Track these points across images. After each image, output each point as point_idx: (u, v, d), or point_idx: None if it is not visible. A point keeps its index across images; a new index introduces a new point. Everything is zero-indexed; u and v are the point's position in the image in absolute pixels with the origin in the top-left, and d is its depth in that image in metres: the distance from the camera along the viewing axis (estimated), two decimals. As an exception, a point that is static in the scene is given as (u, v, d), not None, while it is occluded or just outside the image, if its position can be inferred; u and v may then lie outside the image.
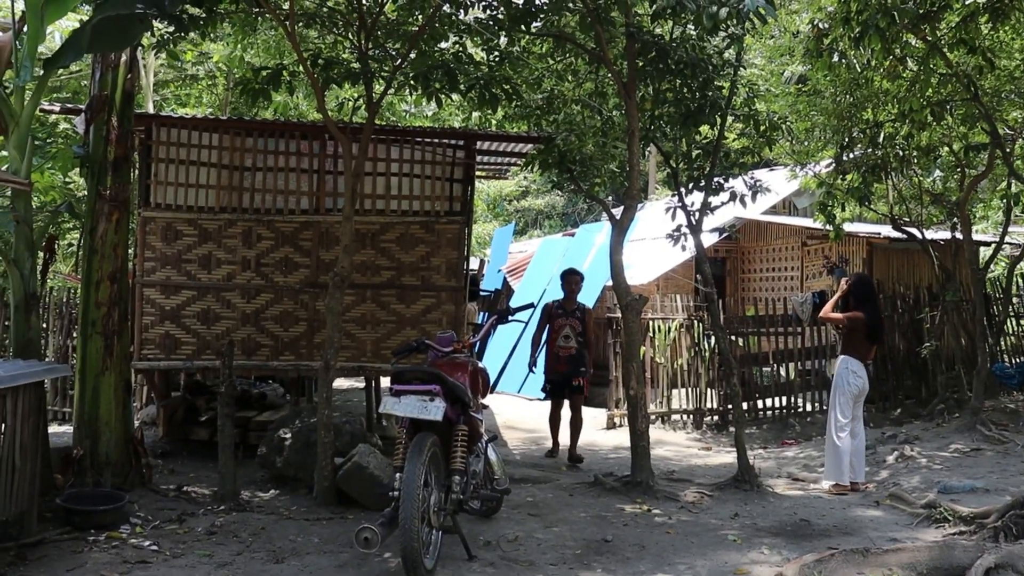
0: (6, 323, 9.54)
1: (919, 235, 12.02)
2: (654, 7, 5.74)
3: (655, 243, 15.35)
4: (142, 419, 9.71)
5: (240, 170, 8.61)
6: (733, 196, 8.36)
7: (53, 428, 10.50)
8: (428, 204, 8.71)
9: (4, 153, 7.37)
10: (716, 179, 8.39)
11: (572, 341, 9.05)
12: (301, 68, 7.25)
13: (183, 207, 8.51)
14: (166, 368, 8.68)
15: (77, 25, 9.99)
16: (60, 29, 10.30)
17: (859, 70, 9.79)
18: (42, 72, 6.78)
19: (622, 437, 9.50)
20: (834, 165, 11.15)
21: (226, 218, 8.54)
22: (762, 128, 8.45)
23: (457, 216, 8.73)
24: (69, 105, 9.24)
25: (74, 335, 9.71)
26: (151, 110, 14.19)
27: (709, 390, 11.59)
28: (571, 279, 9.31)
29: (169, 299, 8.46)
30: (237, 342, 8.20)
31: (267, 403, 9.53)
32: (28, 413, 5.44)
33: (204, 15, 6.98)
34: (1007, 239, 12.48)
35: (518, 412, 12.16)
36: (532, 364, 9.32)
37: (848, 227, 12.63)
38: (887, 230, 13.49)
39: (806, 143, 11.91)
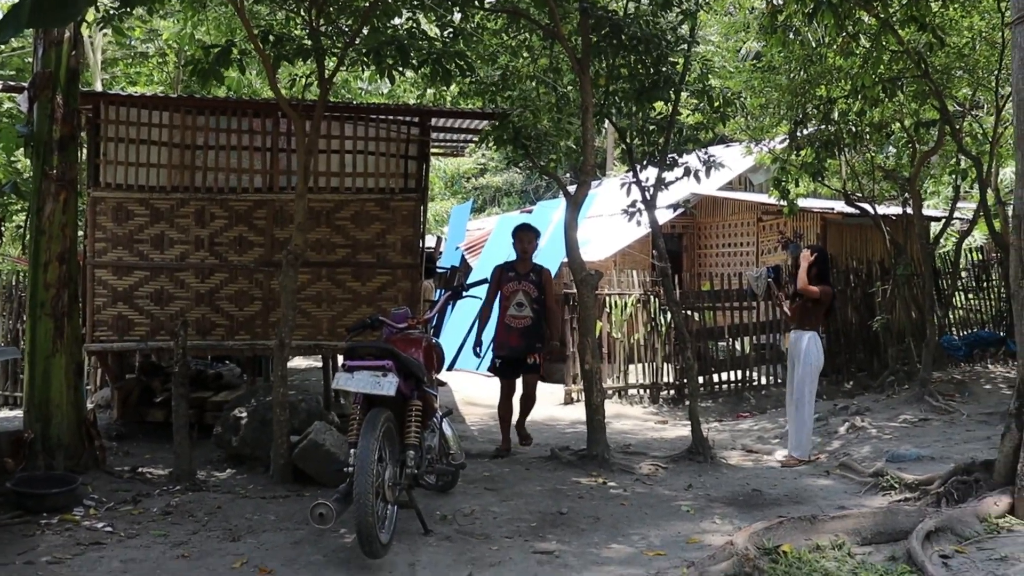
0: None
1: (871, 210, 12.22)
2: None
3: (612, 219, 15.42)
4: (96, 401, 9.60)
5: (192, 149, 8.50)
6: (687, 172, 8.42)
7: (3, 412, 10.41)
8: (383, 181, 8.66)
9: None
10: (671, 155, 8.44)
11: (526, 309, 7.82)
12: (251, 45, 7.15)
13: (134, 187, 8.39)
14: (119, 350, 8.59)
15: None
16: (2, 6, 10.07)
17: (813, 46, 9.90)
18: (-17, 48, 6.65)
19: (579, 412, 9.58)
20: (788, 141, 11.27)
21: (178, 197, 8.43)
22: (716, 104, 8.51)
23: (412, 193, 8.70)
24: (12, 83, 9.04)
25: (24, 318, 9.55)
26: (99, 88, 13.92)
27: (665, 364, 11.72)
28: (523, 236, 8.02)
29: (121, 280, 8.34)
30: (192, 322, 8.12)
31: (223, 383, 9.45)
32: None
33: (151, -11, 6.85)
34: (956, 214, 12.71)
35: (477, 389, 12.20)
36: (477, 345, 8.14)
37: (802, 202, 12.80)
38: (840, 205, 13.69)
39: (761, 119, 12.03)
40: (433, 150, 10.58)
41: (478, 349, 8.13)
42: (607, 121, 8.99)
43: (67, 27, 7.03)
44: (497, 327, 8.05)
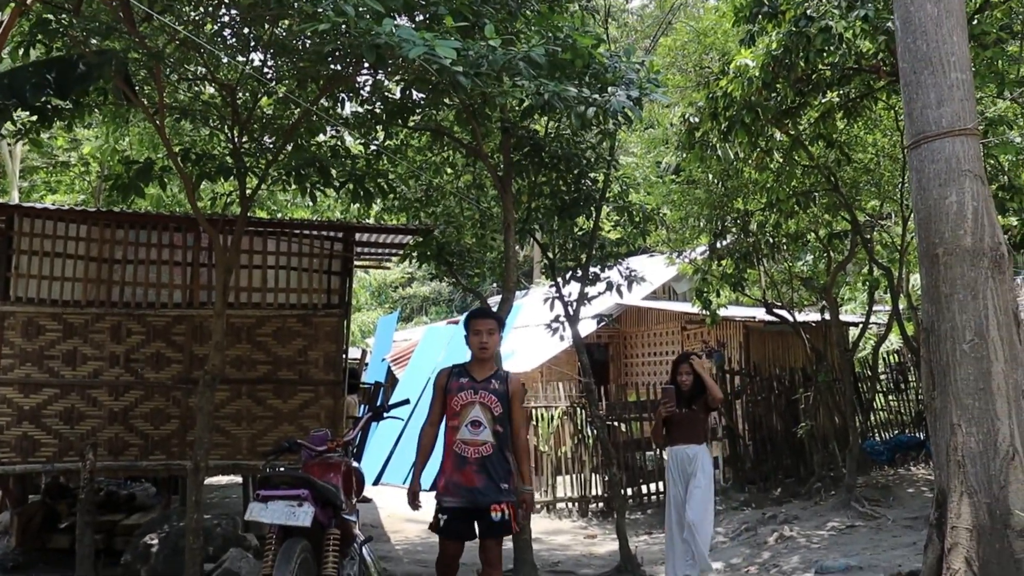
0: None
1: (791, 318, 12.50)
2: (523, 105, 5.88)
3: (538, 330, 15.46)
4: (-6, 527, 9.08)
5: (110, 262, 8.32)
6: (610, 286, 8.53)
7: None
8: (305, 297, 8.57)
9: None
10: (593, 269, 8.55)
11: (485, 432, 5.18)
12: (172, 163, 7.11)
13: (47, 300, 8.13)
14: (22, 472, 8.16)
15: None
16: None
17: (729, 161, 10.27)
18: None
19: (508, 528, 9.38)
20: (708, 252, 11.55)
21: (93, 312, 8.20)
22: (637, 220, 8.70)
23: (335, 308, 8.61)
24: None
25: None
26: (17, 198, 13.65)
27: (594, 476, 11.62)
28: (481, 326, 5.41)
29: (28, 398, 8.00)
30: (104, 442, 7.81)
31: (136, 504, 9.05)
32: None
33: (70, 106, 6.79)
34: (872, 319, 13.09)
35: (404, 505, 11.86)
36: (413, 496, 5.37)
37: (724, 312, 13.04)
38: (762, 313, 13.98)
39: (681, 231, 12.33)
40: (357, 263, 10.55)
41: (417, 502, 5.36)
42: (530, 236, 9.11)
43: (-19, 142, 6.93)
44: (443, 459, 5.31)
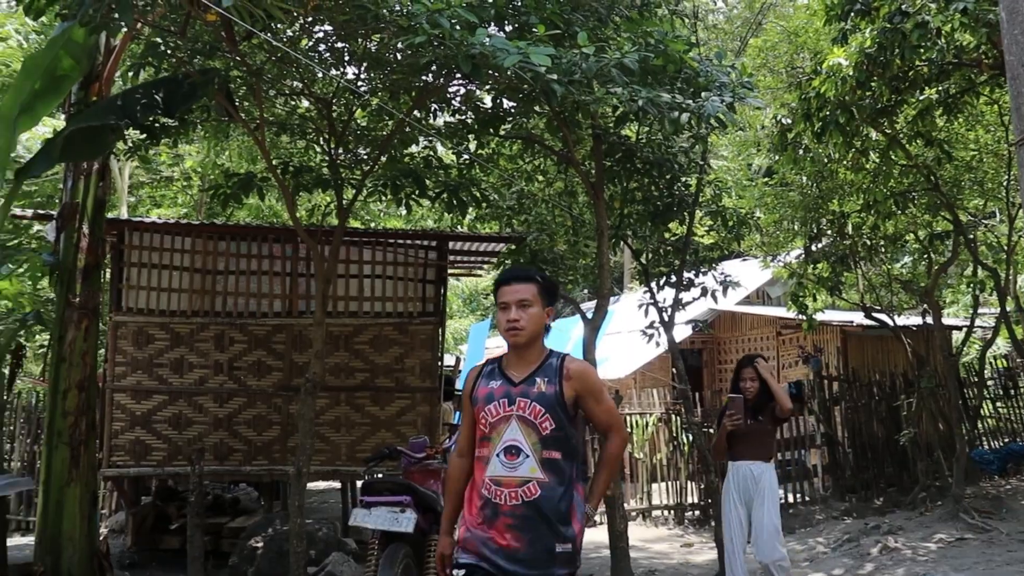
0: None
1: (890, 322, 12.13)
2: (618, 112, 5.87)
3: (631, 336, 15.39)
4: (110, 526, 9.48)
5: (212, 273, 8.62)
6: (704, 291, 8.43)
7: (15, 540, 10.25)
8: (401, 305, 8.72)
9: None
10: (687, 275, 8.47)
11: (528, 463, 3.33)
12: (271, 175, 7.33)
13: (155, 311, 8.48)
14: (136, 475, 8.52)
15: (50, 132, 10.13)
16: (36, 136, 10.40)
17: (824, 162, 10.03)
18: (13, 182, 6.82)
19: (602, 535, 9.35)
20: (804, 256, 11.30)
21: (198, 322, 8.50)
22: (730, 223, 8.57)
23: (430, 316, 8.74)
24: (40, 212, 9.25)
25: (41, 440, 9.52)
26: (125, 212, 14.24)
27: (689, 483, 11.47)
28: (508, 293, 3.51)
29: (140, 404, 8.34)
30: (209, 447, 8.08)
31: (240, 508, 9.33)
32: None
33: (176, 124, 7.07)
34: (977, 322, 12.61)
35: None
36: (442, 560, 3.59)
37: (821, 316, 12.74)
38: (860, 318, 13.60)
39: (775, 234, 12.09)
40: (450, 271, 10.68)
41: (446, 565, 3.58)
42: (623, 242, 9.06)
43: (96, 160, 7.27)
44: (466, 500, 3.54)
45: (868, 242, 10.96)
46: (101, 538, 7.65)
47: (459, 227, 9.39)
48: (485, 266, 11.52)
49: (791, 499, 11.67)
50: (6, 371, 6.99)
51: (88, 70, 7.24)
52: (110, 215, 8.07)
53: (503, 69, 4.70)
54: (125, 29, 6.44)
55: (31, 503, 10.41)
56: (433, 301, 8.81)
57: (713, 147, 10.98)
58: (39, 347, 14.90)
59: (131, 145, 7.78)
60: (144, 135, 7.10)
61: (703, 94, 5.64)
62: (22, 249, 7.86)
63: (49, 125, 10.05)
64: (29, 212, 9.35)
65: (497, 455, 3.33)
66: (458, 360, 17.53)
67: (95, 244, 7.27)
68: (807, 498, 11.41)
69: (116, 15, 4.86)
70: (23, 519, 10.67)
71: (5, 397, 6.95)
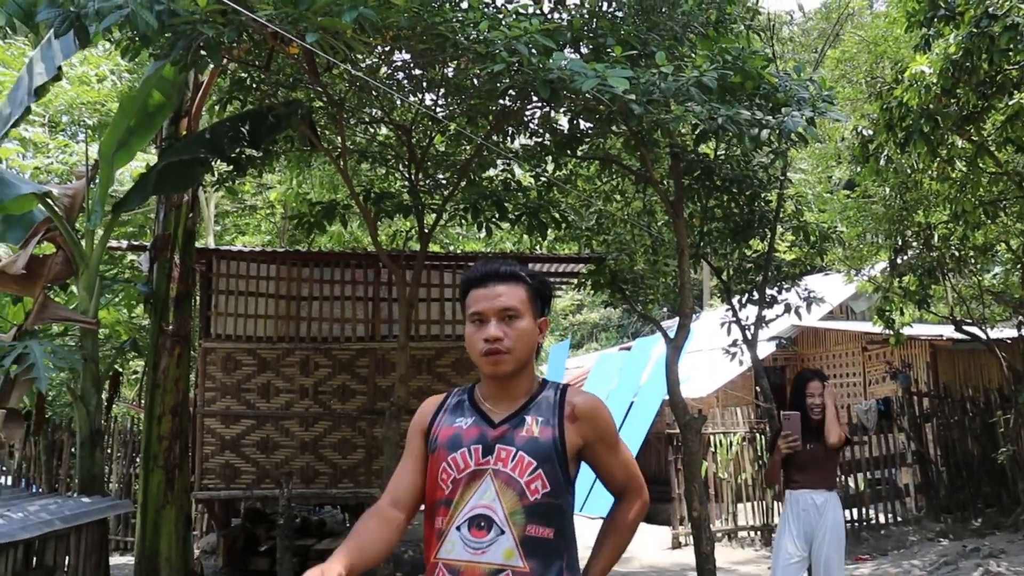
0: (72, 451, 9.76)
1: (983, 335, 11.73)
2: (697, 131, 5.84)
3: (712, 354, 15.19)
4: (202, 548, 9.71)
5: (297, 299, 8.81)
6: (788, 308, 8.30)
7: (115, 559, 10.59)
8: (482, 327, 8.76)
9: (74, 290, 7.65)
10: (769, 292, 8.35)
11: (503, 542, 2.22)
12: (353, 202, 7.48)
13: (242, 337, 8.70)
14: (226, 498, 8.72)
15: (141, 165, 10.54)
16: (129, 170, 10.82)
17: (907, 173, 9.79)
18: (111, 215, 7.11)
19: (687, 557, 9.22)
20: (889, 269, 11.03)
21: (284, 347, 8.70)
22: (812, 239, 8.44)
23: (511, 338, 8.76)
24: (135, 243, 9.60)
25: (137, 463, 9.85)
26: (212, 240, 14.67)
27: (776, 504, 11.24)
28: (481, 297, 2.37)
29: (229, 428, 8.55)
30: (296, 470, 8.24)
31: (326, 530, 9.47)
32: (91, 549, 5.52)
33: (260, 155, 7.29)
34: (1077, 334, 12.11)
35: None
36: None
37: (909, 330, 12.39)
38: (950, 331, 13.19)
39: (858, 247, 11.84)
40: (529, 293, 10.68)
41: None
42: (703, 260, 8.99)
43: (186, 192, 7.54)
44: None
45: (956, 253, 10.65)
46: (195, 558, 7.86)
47: (538, 249, 9.42)
48: (563, 287, 11.54)
49: (882, 519, 11.35)
50: (104, 397, 7.23)
51: (178, 106, 7.52)
52: (197, 244, 8.33)
53: (581, 92, 4.73)
54: (212, 65, 6.68)
55: (128, 524, 10.76)
56: (513, 323, 8.84)
57: (792, 160, 10.79)
58: (132, 373, 15.44)
59: (218, 177, 8.04)
60: (231, 167, 7.34)
61: (783, 109, 5.58)
62: (118, 279, 8.16)
63: (141, 159, 10.44)
64: (124, 243, 9.72)
65: (458, 528, 2.25)
66: (539, 382, 17.57)
67: (186, 273, 7.53)
68: (899, 518, 11.08)
69: (204, 53, 5.05)
70: (121, 539, 11.03)
71: (104, 422, 7.20)
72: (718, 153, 7.76)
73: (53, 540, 5.25)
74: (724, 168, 7.51)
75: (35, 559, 5.18)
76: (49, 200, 6.69)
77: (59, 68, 6.74)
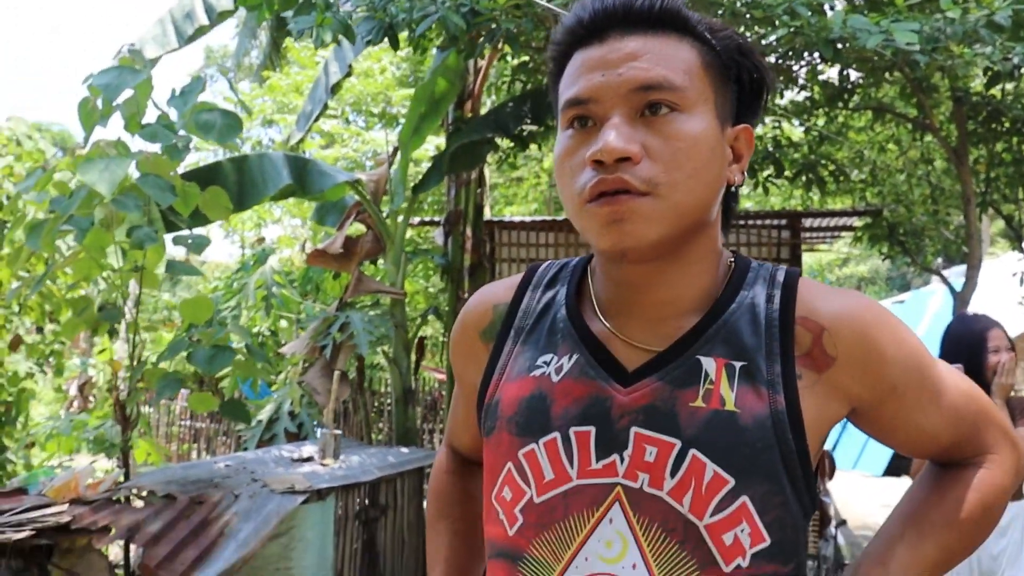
0: (380, 411, 10.93)
1: None
2: (988, 74, 5.63)
3: (994, 306, 14.25)
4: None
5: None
6: (1089, 254, 7.76)
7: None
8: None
9: (381, 264, 8.56)
10: (1069, 237, 7.84)
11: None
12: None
13: (524, 308, 9.28)
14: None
15: (431, 149, 11.52)
16: (423, 156, 11.87)
17: None
18: (411, 196, 7.93)
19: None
20: None
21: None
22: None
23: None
24: (427, 219, 10.51)
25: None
26: (488, 213, 15.57)
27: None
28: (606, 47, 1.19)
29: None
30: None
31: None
32: (412, 494, 6.29)
33: (542, 129, 7.80)
34: None
35: (853, 493, 11.46)
36: None
37: None
38: None
39: None
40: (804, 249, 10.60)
41: None
42: (992, 208, 8.55)
43: (474, 170, 8.24)
44: None
45: None
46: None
47: (809, 204, 9.34)
48: (828, 241, 11.32)
49: None
50: (412, 360, 8.08)
51: (460, 90, 8.19)
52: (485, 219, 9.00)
53: (865, 50, 4.76)
54: (488, 50, 7.23)
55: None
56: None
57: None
58: (430, 339, 16.77)
59: (501, 155, 8.67)
60: (514, 144, 7.90)
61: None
62: (418, 252, 9.04)
63: (429, 142, 11.38)
64: (416, 220, 10.68)
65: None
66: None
67: (477, 244, 8.24)
68: None
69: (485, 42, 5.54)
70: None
71: (413, 385, 8.04)
72: (1005, 94, 7.36)
73: (382, 484, 6.04)
74: (1014, 108, 7.12)
75: (370, 499, 6.00)
76: (359, 186, 7.57)
77: (350, 66, 7.67)
